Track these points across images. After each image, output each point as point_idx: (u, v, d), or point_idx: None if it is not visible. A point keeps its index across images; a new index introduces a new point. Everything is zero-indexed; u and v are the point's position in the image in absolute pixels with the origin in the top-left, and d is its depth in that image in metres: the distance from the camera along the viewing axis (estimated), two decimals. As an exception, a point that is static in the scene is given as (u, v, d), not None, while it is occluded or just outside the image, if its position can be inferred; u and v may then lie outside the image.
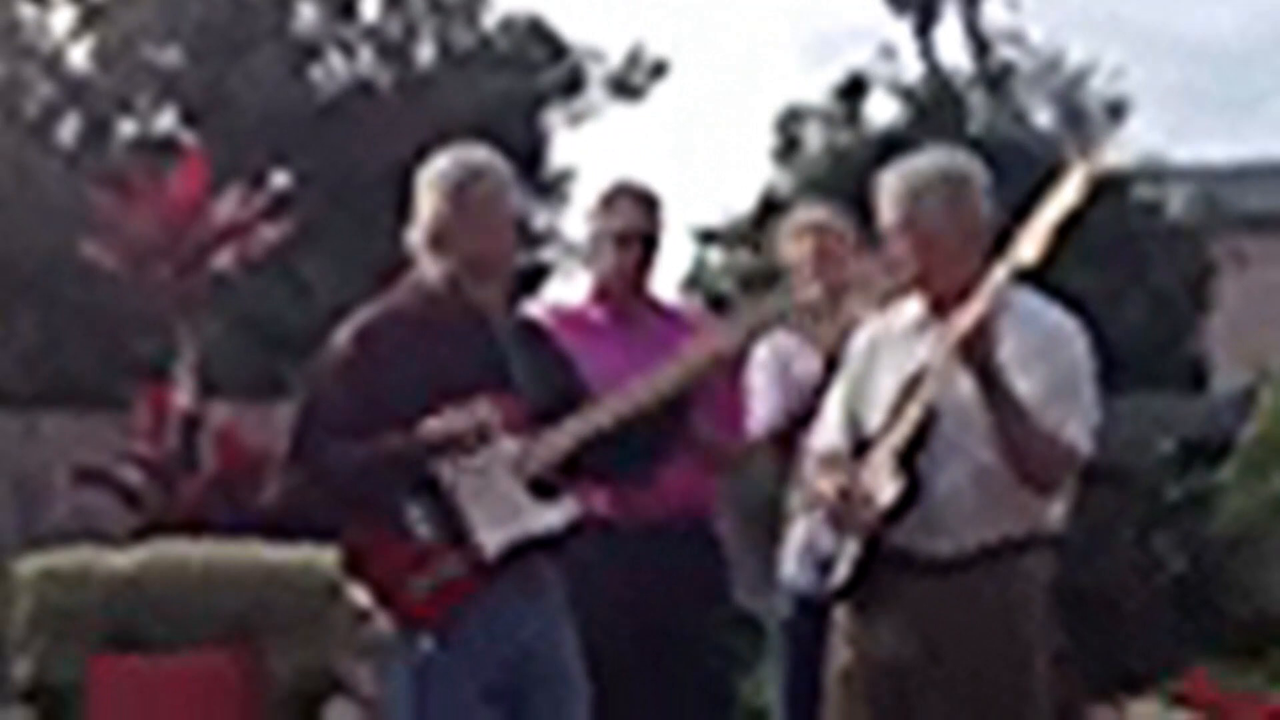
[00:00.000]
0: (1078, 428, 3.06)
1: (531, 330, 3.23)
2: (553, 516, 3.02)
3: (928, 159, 3.19)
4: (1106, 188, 11.63)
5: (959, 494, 3.06)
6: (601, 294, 4.02)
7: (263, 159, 11.30)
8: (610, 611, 3.64)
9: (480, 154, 3.14)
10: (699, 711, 3.97)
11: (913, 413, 3.03)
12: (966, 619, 3.08)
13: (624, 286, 3.99)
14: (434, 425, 2.96)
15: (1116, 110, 12.90)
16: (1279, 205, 14.66)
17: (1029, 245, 2.93)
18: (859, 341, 3.29)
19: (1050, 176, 3.05)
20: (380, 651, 3.14)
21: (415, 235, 3.13)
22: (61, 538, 5.61)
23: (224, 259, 8.05)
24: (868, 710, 3.15)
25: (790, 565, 3.98)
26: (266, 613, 4.68)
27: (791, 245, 4.07)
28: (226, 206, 8.13)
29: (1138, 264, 11.28)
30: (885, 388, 3.16)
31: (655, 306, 4.07)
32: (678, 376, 3.08)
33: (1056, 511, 3.15)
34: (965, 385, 3.05)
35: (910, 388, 3.08)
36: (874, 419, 3.17)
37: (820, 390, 3.63)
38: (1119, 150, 12.08)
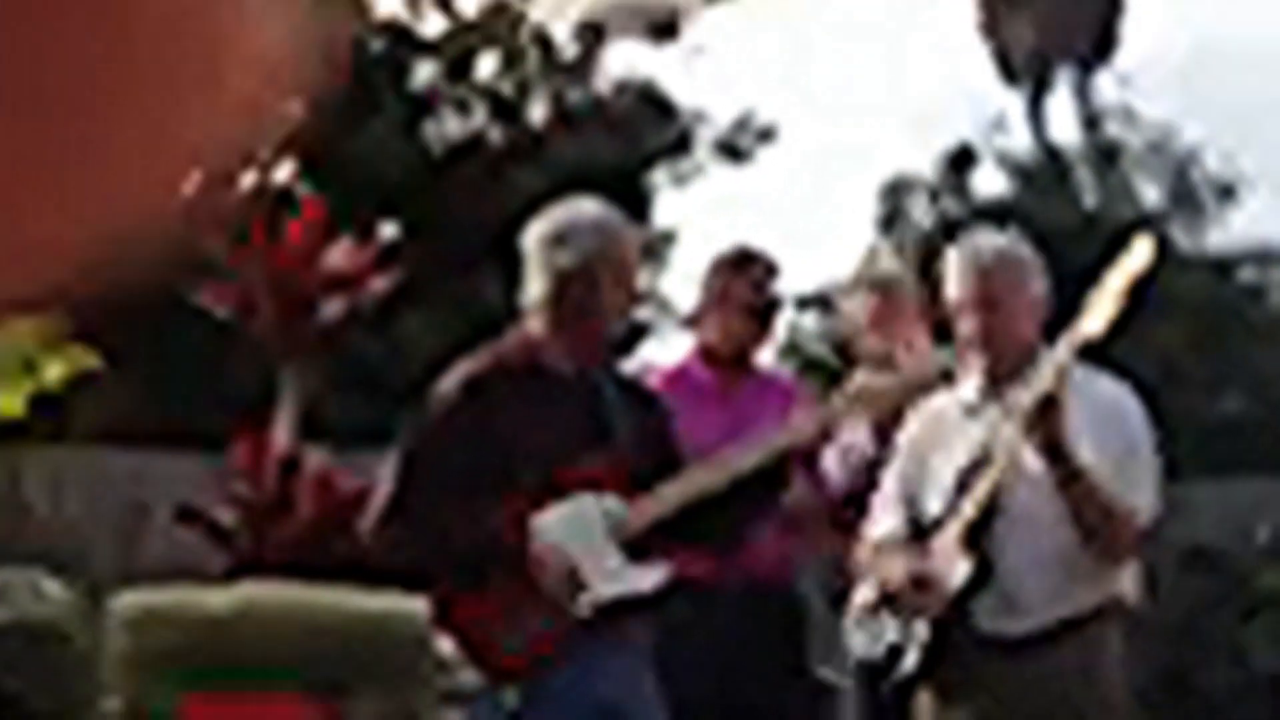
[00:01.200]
0: (1143, 497, 3.11)
1: (634, 390, 3.26)
2: (645, 579, 3.05)
3: (991, 239, 3.31)
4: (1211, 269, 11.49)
5: (1032, 571, 3.09)
6: (709, 356, 4.03)
7: (371, 211, 11.52)
8: (695, 674, 3.67)
9: (594, 208, 3.13)
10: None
11: (980, 492, 3.06)
12: (1047, 693, 3.10)
13: (737, 353, 4.01)
14: (539, 563, 2.97)
15: (1227, 192, 12.75)
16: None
17: (1093, 319, 3.02)
18: (911, 425, 3.33)
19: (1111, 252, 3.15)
20: (467, 702, 3.18)
21: (532, 288, 3.13)
22: (158, 575, 5.73)
23: (335, 309, 8.18)
24: None
25: (854, 636, 3.97)
26: (356, 660, 4.74)
27: (854, 300, 4.06)
28: (337, 256, 8.27)
29: (1240, 348, 11.11)
30: (944, 470, 3.21)
31: (755, 373, 4.09)
32: (779, 446, 3.10)
33: (1127, 583, 3.18)
34: (1034, 460, 3.08)
35: (974, 468, 3.11)
36: (933, 503, 3.21)
37: (872, 466, 3.66)
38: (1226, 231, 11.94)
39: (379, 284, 8.39)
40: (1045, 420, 3.00)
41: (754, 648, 3.93)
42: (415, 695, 4.72)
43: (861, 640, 3.62)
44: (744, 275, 3.97)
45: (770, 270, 4.01)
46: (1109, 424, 3.15)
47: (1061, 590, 3.12)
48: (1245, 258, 12.01)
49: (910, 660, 3.20)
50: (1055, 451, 3.03)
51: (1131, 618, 3.30)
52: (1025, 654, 3.11)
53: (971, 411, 3.25)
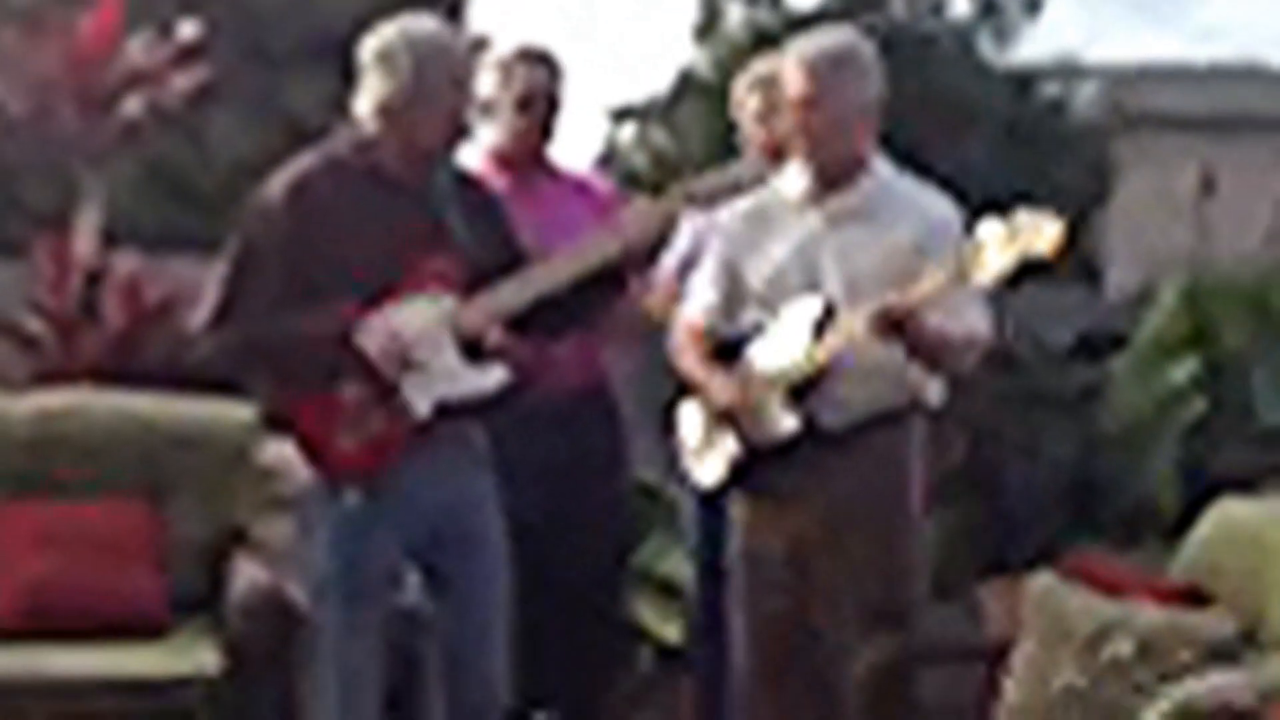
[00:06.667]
0: (975, 314, 3.20)
1: (470, 185, 3.24)
2: (483, 380, 3.07)
3: (832, 37, 3.31)
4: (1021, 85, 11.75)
5: (849, 372, 3.18)
6: (502, 162, 4.00)
7: (171, 6, 11.01)
8: (514, 480, 3.72)
9: (426, 24, 3.10)
10: (599, 579, 4.08)
11: (815, 353, 3.13)
12: (858, 482, 3.24)
13: (525, 153, 3.98)
14: (368, 341, 2.94)
15: (1033, 5, 12.95)
16: (1184, 107, 14.89)
17: (985, 273, 3.02)
18: (738, 206, 3.37)
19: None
20: (298, 506, 3.17)
21: (364, 103, 3.10)
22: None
23: (134, 106, 7.87)
24: (773, 589, 3.30)
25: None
26: (171, 467, 4.68)
27: (742, 101, 4.07)
28: (138, 51, 7.93)
29: (1041, 159, 11.41)
30: (762, 263, 3.27)
31: (559, 176, 4.07)
32: (616, 248, 3.12)
33: (935, 386, 3.33)
34: (866, 266, 3.16)
35: (821, 324, 3.17)
36: (758, 286, 3.27)
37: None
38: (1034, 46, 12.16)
39: (182, 82, 8.09)
40: (901, 328, 3.06)
41: (570, 453, 3.99)
42: (235, 502, 4.69)
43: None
44: (522, 72, 3.94)
45: (548, 63, 3.98)
46: (944, 244, 3.21)
47: (869, 389, 3.24)
48: (1049, 72, 12.29)
49: (715, 470, 3.30)
50: (909, 346, 3.10)
51: (937, 414, 3.44)
52: (832, 444, 3.23)
53: (804, 203, 3.30)
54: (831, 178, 3.27)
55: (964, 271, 3.04)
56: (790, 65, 3.26)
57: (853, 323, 3.10)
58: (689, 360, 3.38)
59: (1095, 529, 6.42)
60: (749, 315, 3.34)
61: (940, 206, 3.32)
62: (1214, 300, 6.63)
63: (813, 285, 3.23)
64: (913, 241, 3.22)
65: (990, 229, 3.02)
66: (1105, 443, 6.82)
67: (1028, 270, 3.12)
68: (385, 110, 3.04)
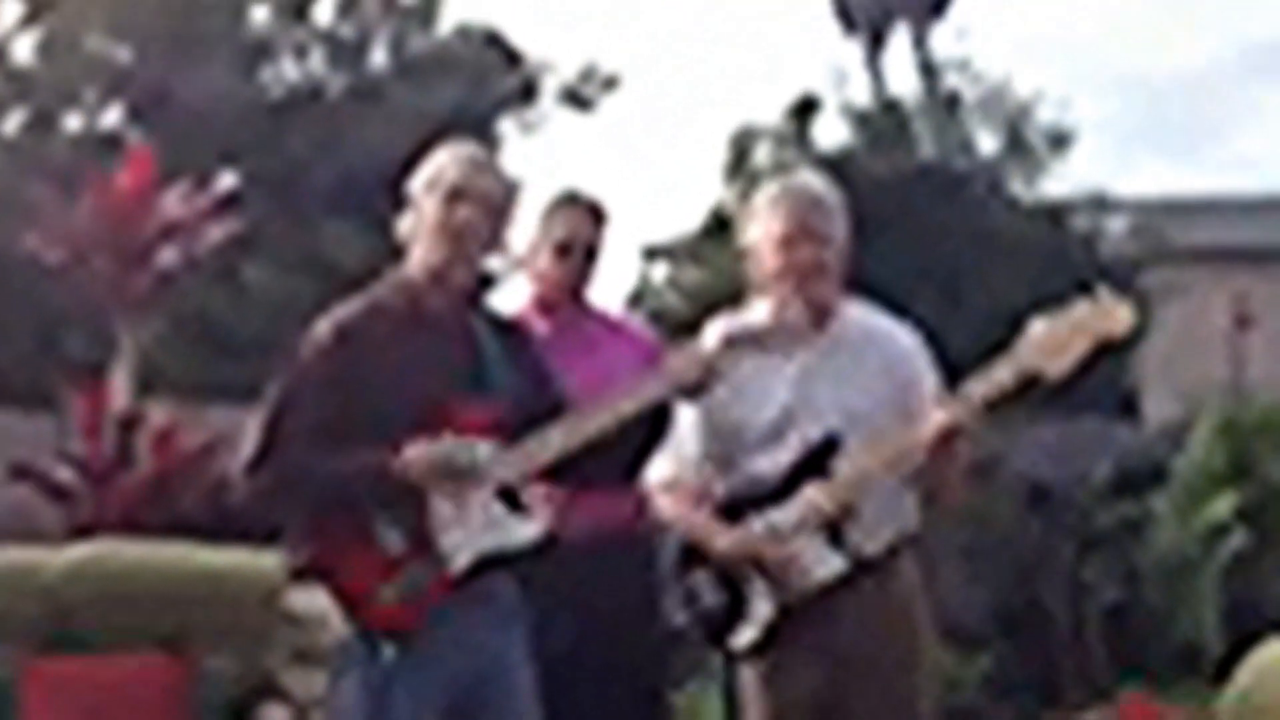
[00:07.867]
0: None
1: (510, 331, 3.22)
2: (524, 531, 3.01)
3: (810, 179, 3.36)
4: (1050, 218, 11.79)
5: (880, 497, 3.14)
6: (542, 305, 4.01)
7: (209, 158, 11.22)
8: (550, 626, 3.66)
9: (466, 149, 3.10)
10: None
11: (840, 492, 3.09)
12: (884, 608, 3.17)
13: (563, 297, 3.98)
14: (416, 461, 2.93)
15: (1060, 141, 13.02)
16: (1216, 240, 14.90)
17: (1058, 363, 2.97)
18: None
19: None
20: (330, 658, 3.12)
21: (405, 224, 3.11)
22: (-4, 536, 5.54)
23: (169, 257, 7.97)
24: None
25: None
26: (203, 616, 4.64)
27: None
28: (173, 203, 8.05)
29: (1074, 293, 11.40)
30: (771, 400, 3.23)
31: (597, 318, 4.07)
32: (657, 391, 3.08)
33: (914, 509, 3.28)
34: (858, 400, 3.14)
35: (819, 456, 3.14)
36: (762, 429, 3.23)
37: None
38: (1060, 182, 12.24)
39: (216, 232, 8.20)
40: (955, 440, 3.02)
41: (606, 599, 3.93)
42: (266, 652, 4.64)
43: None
44: (567, 218, 3.94)
45: (593, 210, 3.98)
46: (914, 368, 3.21)
47: (888, 516, 3.20)
48: (1079, 205, 12.31)
49: (748, 635, 3.23)
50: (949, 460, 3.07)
51: (984, 553, 3.40)
52: (864, 572, 3.17)
53: (786, 349, 3.27)
54: (815, 314, 3.25)
55: (1035, 366, 2.99)
56: (783, 202, 3.28)
57: (901, 442, 3.05)
58: (697, 527, 3.33)
59: (1140, 668, 6.28)
60: (755, 465, 3.29)
61: (903, 333, 3.32)
62: (1252, 433, 6.55)
63: (815, 420, 3.20)
64: (889, 367, 3.21)
65: (1052, 321, 2.99)
66: (1148, 579, 6.71)
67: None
68: (425, 228, 3.03)
